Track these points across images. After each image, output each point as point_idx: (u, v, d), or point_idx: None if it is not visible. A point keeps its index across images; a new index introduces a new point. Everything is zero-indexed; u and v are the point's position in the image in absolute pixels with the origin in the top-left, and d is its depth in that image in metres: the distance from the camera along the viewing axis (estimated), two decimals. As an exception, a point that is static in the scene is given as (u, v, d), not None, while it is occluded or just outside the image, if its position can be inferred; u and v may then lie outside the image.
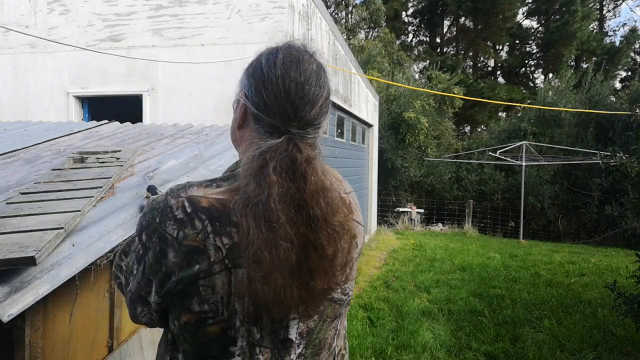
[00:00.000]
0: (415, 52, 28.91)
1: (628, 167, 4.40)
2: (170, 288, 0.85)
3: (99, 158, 2.80)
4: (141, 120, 5.38)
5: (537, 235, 14.24)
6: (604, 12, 27.43)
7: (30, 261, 1.47)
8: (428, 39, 30.29)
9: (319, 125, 0.92)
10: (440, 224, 14.43)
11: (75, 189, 2.18)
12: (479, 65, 29.65)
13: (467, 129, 27.78)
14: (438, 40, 30.18)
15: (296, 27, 5.30)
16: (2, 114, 5.81)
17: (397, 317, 5.00)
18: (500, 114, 26.20)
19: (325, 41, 6.55)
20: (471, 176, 15.50)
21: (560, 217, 14.12)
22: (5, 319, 1.33)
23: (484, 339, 4.41)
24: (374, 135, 11.93)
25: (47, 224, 1.75)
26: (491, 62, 29.64)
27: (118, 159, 2.79)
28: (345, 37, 20.44)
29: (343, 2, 23.33)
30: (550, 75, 22.59)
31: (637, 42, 24.67)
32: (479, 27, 27.16)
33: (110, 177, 2.37)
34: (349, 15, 23.89)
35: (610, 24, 41.27)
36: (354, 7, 23.43)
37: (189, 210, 0.85)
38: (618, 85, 23.25)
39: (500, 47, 28.91)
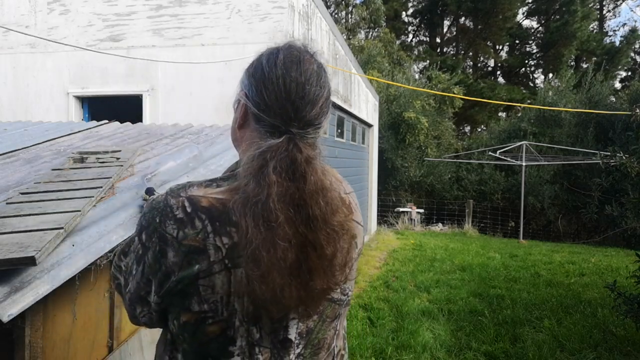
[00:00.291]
0: (415, 52, 28.91)
1: (628, 167, 4.40)
2: (169, 288, 0.85)
3: (99, 158, 2.80)
4: (141, 120, 5.38)
5: (537, 235, 14.25)
6: (604, 12, 27.45)
7: (30, 261, 1.47)
8: (428, 39, 30.30)
9: (319, 125, 0.92)
10: (440, 224, 14.43)
11: (75, 189, 2.18)
12: (479, 65, 29.66)
13: (467, 129, 27.79)
14: (438, 40, 30.19)
15: (296, 27, 5.30)
16: (2, 114, 5.81)
17: (397, 317, 5.00)
18: (500, 114, 26.21)
19: (325, 41, 6.55)
20: (471, 176, 15.50)
21: (560, 217, 14.12)
22: (5, 319, 1.33)
23: (484, 339, 4.41)
24: (374, 135, 11.93)
25: (47, 224, 1.75)
26: (491, 62, 29.66)
27: (118, 159, 2.79)
28: (345, 37, 20.44)
29: (343, 2, 23.33)
30: (550, 75, 22.60)
31: (637, 42, 24.67)
32: (479, 27, 27.16)
33: (110, 177, 2.37)
34: (349, 15, 23.90)
35: (610, 24, 41.29)
36: (354, 7, 23.44)
37: (189, 210, 0.85)
38: (618, 85, 23.27)
39: (500, 47, 28.92)
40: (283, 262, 0.78)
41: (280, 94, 0.87)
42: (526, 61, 27.83)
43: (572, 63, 25.37)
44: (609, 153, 5.14)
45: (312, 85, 0.89)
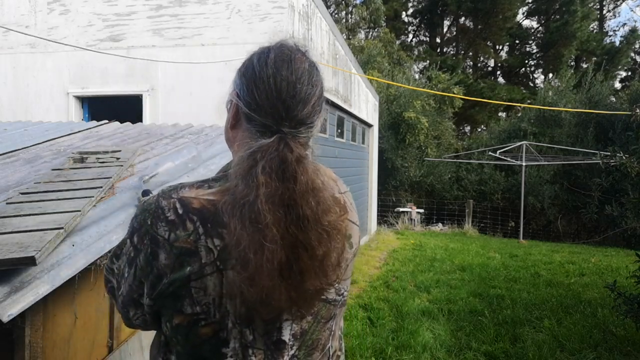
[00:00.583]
0: (415, 52, 28.91)
1: (628, 167, 4.40)
2: (161, 290, 0.85)
3: (99, 158, 2.80)
4: (141, 120, 5.38)
5: (537, 235, 14.25)
6: (604, 12, 27.45)
7: (31, 261, 1.47)
8: (428, 39, 30.30)
9: (311, 124, 0.91)
10: (440, 224, 14.43)
11: (75, 189, 2.18)
12: (479, 65, 29.66)
13: (467, 129, 27.78)
14: (438, 40, 30.19)
15: (296, 27, 5.30)
16: (2, 114, 5.81)
17: (397, 317, 5.00)
18: (500, 114, 26.21)
19: (325, 41, 6.55)
20: (471, 176, 15.50)
21: (560, 217, 14.12)
22: (5, 319, 1.33)
23: (484, 339, 4.41)
24: (374, 135, 11.93)
25: (47, 224, 1.75)
26: (491, 62, 29.66)
27: (118, 159, 2.79)
28: (345, 37, 20.44)
29: (343, 2, 23.33)
30: (550, 75, 22.61)
31: (637, 42, 24.67)
32: (479, 27, 27.16)
33: (110, 177, 2.37)
34: (349, 15, 23.90)
35: (610, 24, 41.25)
36: (354, 7, 23.44)
37: (180, 211, 0.84)
38: (618, 85, 23.28)
39: (500, 47, 28.92)
40: (270, 264, 0.77)
41: (271, 93, 0.87)
42: (526, 61, 27.83)
43: (572, 63, 25.37)
44: (609, 153, 5.14)
45: (303, 84, 0.88)
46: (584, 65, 23.88)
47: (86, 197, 2.06)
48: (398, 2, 27.52)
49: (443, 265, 7.79)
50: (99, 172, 2.48)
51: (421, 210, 14.49)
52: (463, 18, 28.59)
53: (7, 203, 2.00)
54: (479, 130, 26.59)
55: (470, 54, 29.13)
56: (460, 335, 4.50)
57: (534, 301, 5.64)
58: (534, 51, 27.73)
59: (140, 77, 5.51)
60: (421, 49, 29.24)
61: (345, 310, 4.98)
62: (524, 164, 12.62)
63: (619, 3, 27.27)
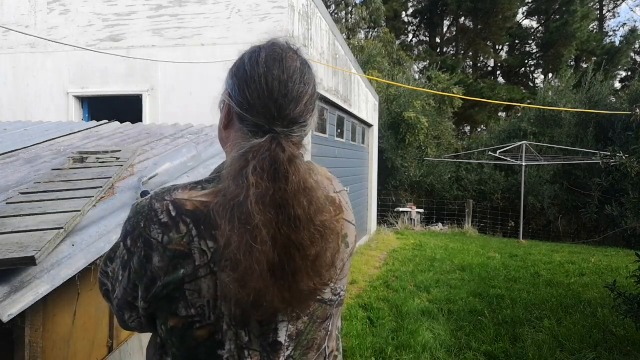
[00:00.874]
0: (415, 52, 28.91)
1: (628, 167, 4.40)
2: (156, 293, 0.84)
3: (99, 158, 2.80)
4: (141, 120, 5.38)
5: (537, 235, 14.25)
6: (604, 12, 27.44)
7: (30, 261, 1.47)
8: (428, 39, 30.30)
9: (304, 123, 0.90)
10: (440, 224, 14.43)
11: (75, 189, 2.18)
12: (479, 65, 29.66)
13: (467, 129, 27.78)
14: (438, 40, 30.19)
15: (296, 27, 5.30)
16: (2, 114, 5.81)
17: (397, 317, 5.00)
18: (500, 114, 26.21)
19: (325, 41, 6.55)
20: (471, 176, 15.50)
21: (560, 217, 14.12)
22: (5, 319, 1.33)
23: (484, 339, 4.41)
24: (374, 135, 11.93)
25: (47, 224, 1.75)
26: (491, 62, 29.65)
27: (118, 159, 2.79)
28: (345, 37, 20.43)
29: (343, 2, 23.33)
30: (550, 75, 22.61)
31: (637, 42, 24.66)
32: (479, 27, 27.16)
33: (110, 177, 2.37)
34: (349, 15, 23.90)
35: (610, 24, 41.28)
36: (354, 7, 23.43)
37: (173, 214, 0.84)
38: (618, 85, 23.27)
39: (500, 47, 28.92)
40: (260, 265, 0.76)
41: (262, 93, 0.86)
42: (526, 61, 27.83)
43: (572, 63, 25.36)
44: (609, 153, 5.14)
45: (295, 83, 0.88)
46: (584, 65, 23.87)
47: (86, 197, 2.06)
48: (398, 2, 27.52)
49: (443, 265, 7.79)
50: (99, 172, 2.48)
51: (421, 210, 14.49)
52: (463, 18, 28.59)
53: (7, 203, 2.00)
54: (479, 130, 26.59)
55: (470, 54, 29.13)
56: (460, 335, 4.50)
57: (534, 301, 5.64)
58: (534, 51, 27.74)
59: (140, 77, 5.51)
60: (421, 49, 29.25)
61: (345, 310, 4.98)
62: (524, 164, 12.62)
63: (619, 3, 27.29)
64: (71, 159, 2.82)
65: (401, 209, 14.24)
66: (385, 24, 25.23)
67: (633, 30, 24.51)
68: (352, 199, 8.46)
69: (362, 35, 24.05)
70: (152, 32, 5.50)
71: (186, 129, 4.15)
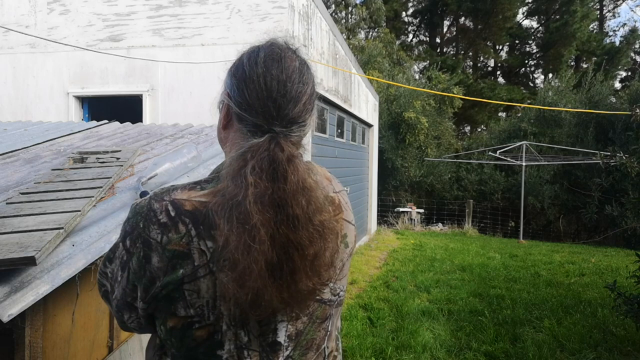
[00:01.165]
0: (415, 52, 28.91)
1: (628, 167, 4.40)
2: (155, 293, 0.84)
3: (99, 158, 2.80)
4: (141, 120, 5.38)
5: (537, 235, 14.25)
6: (604, 12, 27.44)
7: (30, 261, 1.47)
8: (428, 39, 30.30)
9: (303, 122, 0.90)
10: (440, 224, 14.43)
11: (75, 189, 2.18)
12: (479, 65, 29.65)
13: (467, 129, 27.78)
14: (438, 40, 30.19)
15: (296, 27, 5.30)
16: (2, 114, 5.81)
17: (397, 317, 5.00)
18: (500, 114, 26.20)
19: (325, 41, 6.55)
20: (471, 176, 15.51)
21: (560, 217, 14.12)
22: (5, 319, 1.33)
23: (484, 339, 4.41)
24: (374, 135, 11.93)
25: (47, 224, 1.75)
26: (491, 62, 29.66)
27: (118, 159, 2.79)
28: (345, 37, 20.44)
29: (343, 2, 23.33)
30: (550, 75, 22.58)
31: (637, 42, 24.66)
32: (479, 27, 27.16)
33: (110, 177, 2.37)
34: (349, 15, 23.89)
35: (610, 24, 41.25)
36: (354, 7, 23.43)
37: (172, 214, 0.84)
38: (618, 85, 23.24)
39: (500, 47, 28.92)
40: (257, 265, 0.76)
41: (261, 93, 0.86)
42: (526, 61, 27.83)
43: (572, 63, 25.36)
44: (609, 153, 5.14)
45: (294, 83, 0.88)
46: (584, 65, 23.90)
47: (86, 197, 2.06)
48: (398, 2, 27.52)
49: (443, 265, 7.79)
50: (99, 172, 2.48)
51: (421, 210, 14.50)
52: (463, 18, 28.59)
53: (7, 203, 2.00)
54: (479, 130, 26.59)
55: (470, 54, 29.13)
56: (460, 335, 4.50)
57: (534, 301, 5.64)
58: (534, 51, 27.74)
59: (140, 77, 5.51)
60: (421, 49, 29.25)
61: (345, 310, 4.98)
62: (524, 164, 12.63)
63: (619, 3, 27.30)
64: (71, 159, 2.82)
65: (401, 209, 14.24)
66: (385, 24, 25.22)
67: (633, 30, 24.51)
68: (352, 199, 8.43)
69: (362, 35, 24.05)
70: (152, 32, 5.50)
71: (186, 129, 4.15)
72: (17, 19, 5.79)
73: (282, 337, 0.88)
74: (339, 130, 8.19)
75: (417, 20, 30.12)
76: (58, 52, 5.65)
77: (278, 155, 0.82)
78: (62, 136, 3.80)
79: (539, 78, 27.62)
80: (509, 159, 13.42)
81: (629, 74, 25.35)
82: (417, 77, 21.59)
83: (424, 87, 16.12)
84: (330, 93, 6.74)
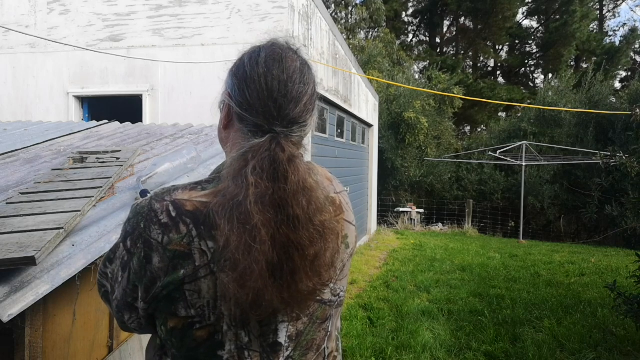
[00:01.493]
0: (416, 52, 28.91)
1: (628, 167, 4.40)
2: (156, 293, 0.84)
3: (99, 158, 2.80)
4: (141, 121, 5.38)
5: (537, 235, 14.25)
6: (604, 12, 27.45)
7: (31, 261, 1.47)
8: (428, 39, 30.30)
9: (304, 123, 0.90)
10: (440, 224, 14.43)
11: (75, 189, 2.18)
12: (479, 65, 29.65)
13: (467, 129, 27.79)
14: (438, 40, 30.19)
15: (296, 27, 5.30)
16: (2, 114, 5.81)
17: (397, 317, 5.00)
18: (500, 114, 26.21)
19: (325, 41, 6.55)
20: (471, 176, 15.51)
21: (560, 217, 14.12)
22: (5, 319, 1.33)
23: (484, 339, 4.41)
24: (374, 135, 11.93)
25: (47, 224, 1.75)
26: (491, 62, 29.66)
27: (118, 159, 2.79)
28: (345, 37, 20.44)
29: (343, 2, 23.33)
30: (550, 75, 22.58)
31: (637, 42, 24.66)
32: (479, 27, 27.16)
33: (110, 177, 2.37)
34: (349, 16, 23.90)
35: (610, 24, 41.25)
36: (354, 7, 23.44)
37: (173, 214, 0.84)
38: (618, 85, 23.24)
39: (500, 47, 28.92)
40: (258, 265, 0.76)
41: (262, 93, 0.86)
42: (526, 61, 27.83)
43: (572, 63, 25.37)
44: (609, 153, 5.14)
45: (295, 83, 0.88)
46: (584, 65, 23.90)
47: (86, 197, 2.06)
48: (398, 2, 27.52)
49: (443, 265, 7.79)
50: (99, 172, 2.48)
51: (421, 210, 14.50)
52: (463, 18, 28.59)
53: (7, 203, 2.00)
54: (479, 130, 26.59)
55: (470, 54, 29.13)
56: (460, 335, 4.50)
57: (534, 301, 5.64)
58: (534, 51, 27.74)
59: (140, 77, 5.51)
60: (421, 49, 29.25)
61: (345, 310, 4.98)
62: (524, 164, 12.63)
63: (619, 3, 27.30)
64: (71, 159, 2.82)
65: (401, 209, 14.24)
66: (385, 24, 25.23)
67: (633, 30, 24.50)
68: (352, 199, 8.45)
69: (362, 35, 24.05)
70: (152, 32, 5.50)
71: (186, 129, 4.15)
72: (17, 19, 5.79)
73: (282, 338, 0.88)
74: (339, 130, 8.19)
75: (417, 20, 30.13)
76: (58, 52, 5.65)
77: (279, 156, 0.82)
78: (62, 136, 3.80)
79: (539, 78, 27.65)
80: (509, 159, 13.42)
81: (629, 74, 25.35)
82: (417, 77, 21.59)
83: (424, 87, 16.12)
84: (330, 93, 6.74)
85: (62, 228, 1.71)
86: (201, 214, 0.83)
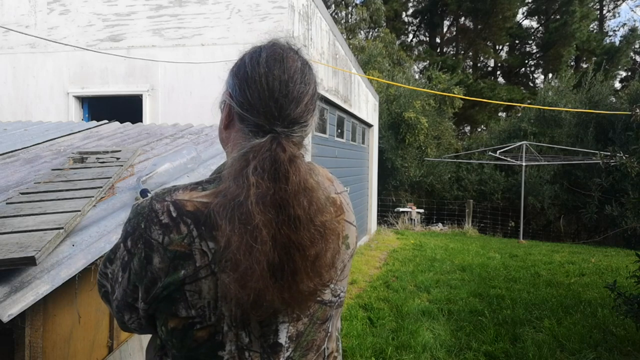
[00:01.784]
0: (415, 52, 28.92)
1: (628, 167, 4.40)
2: (156, 294, 0.84)
3: (99, 158, 2.80)
4: (141, 121, 5.38)
5: (537, 235, 14.25)
6: (604, 12, 27.44)
7: (31, 261, 1.47)
8: (428, 39, 30.30)
9: (305, 123, 0.90)
10: (440, 224, 14.43)
11: (75, 189, 2.18)
12: (479, 65, 29.65)
13: (467, 129, 27.79)
14: (438, 40, 30.19)
15: (296, 27, 5.30)
16: (2, 114, 5.81)
17: (397, 317, 5.00)
18: (500, 114, 26.20)
19: (325, 41, 6.55)
20: (471, 176, 15.51)
21: (560, 217, 14.12)
22: (5, 319, 1.33)
23: (484, 339, 4.41)
24: (374, 135, 11.93)
25: (47, 224, 1.75)
26: (491, 62, 29.66)
27: (118, 159, 2.79)
28: (345, 37, 20.44)
29: (343, 2, 23.33)
30: (550, 75, 22.58)
31: (637, 42, 24.65)
32: (479, 27, 27.16)
33: (110, 177, 2.37)
34: (349, 16, 23.90)
35: (610, 24, 41.22)
36: (354, 7, 23.44)
37: (174, 214, 0.84)
38: (618, 85, 23.23)
39: (500, 47, 28.92)
40: (259, 265, 0.76)
41: (263, 93, 0.86)
42: (526, 61, 27.84)
43: (572, 63, 25.36)
44: (609, 153, 5.14)
45: (296, 83, 0.88)
46: (584, 65, 23.90)
47: (86, 197, 2.06)
48: (398, 2, 27.52)
49: (443, 265, 7.79)
50: (99, 172, 2.48)
51: (421, 210, 14.50)
52: (463, 18, 28.60)
53: (7, 203, 2.00)
54: (479, 130, 26.58)
55: (470, 54, 29.13)
56: (460, 335, 4.50)
57: (534, 301, 5.64)
58: (534, 51, 27.75)
59: (140, 77, 5.51)
60: (421, 49, 29.25)
61: (345, 310, 4.98)
62: (524, 164, 12.63)
63: (619, 3, 27.29)
64: (71, 159, 2.82)
65: (401, 209, 14.24)
66: (385, 24, 25.23)
67: (633, 30, 24.49)
68: (352, 199, 8.45)
69: (362, 35, 24.05)
70: (152, 32, 5.50)
71: (186, 129, 4.15)
72: (17, 19, 5.79)
73: (283, 338, 0.88)
74: (339, 130, 8.19)
75: (417, 20, 30.13)
76: (58, 52, 5.65)
77: (280, 156, 0.82)
78: (62, 136, 3.80)
79: (539, 78, 27.65)
80: (509, 159, 13.42)
81: (629, 74, 25.35)
82: (417, 77, 21.60)
83: (424, 87, 16.12)
84: (331, 93, 6.74)
85: (62, 228, 1.71)
86: (202, 214, 0.83)
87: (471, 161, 15.90)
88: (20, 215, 1.84)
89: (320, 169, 0.97)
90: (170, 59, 5.38)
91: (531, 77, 28.54)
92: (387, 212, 14.37)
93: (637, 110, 4.44)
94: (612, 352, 4.11)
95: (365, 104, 10.25)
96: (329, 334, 0.97)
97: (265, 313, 0.82)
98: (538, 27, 27.61)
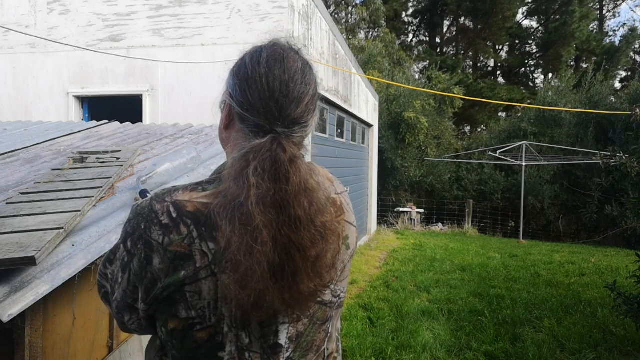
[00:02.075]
0: (415, 52, 28.92)
1: (628, 167, 4.40)
2: (156, 295, 0.84)
3: (99, 158, 2.80)
4: (141, 121, 5.38)
5: (537, 235, 14.25)
6: (604, 12, 27.44)
7: (31, 261, 1.47)
8: (428, 39, 30.31)
9: (305, 123, 0.90)
10: (440, 224, 14.43)
11: (75, 189, 2.18)
12: (479, 65, 29.66)
13: (467, 129, 27.79)
14: (438, 40, 30.19)
15: (296, 27, 5.30)
16: (2, 114, 5.81)
17: (397, 317, 5.00)
18: (500, 114, 26.21)
19: (325, 41, 6.55)
20: (471, 176, 15.51)
21: (560, 217, 14.12)
22: (5, 319, 1.33)
23: (484, 339, 4.41)
24: (374, 135, 11.93)
25: (47, 224, 1.75)
26: (491, 62, 29.66)
27: (118, 159, 2.79)
28: (345, 37, 20.43)
29: (343, 2, 23.34)
30: (550, 75, 22.58)
31: (637, 42, 24.65)
32: (479, 27, 27.16)
33: (110, 177, 2.37)
34: (349, 16, 23.90)
35: (610, 24, 41.25)
36: (354, 7, 23.44)
37: (174, 215, 0.83)
38: (618, 85, 23.23)
39: (500, 47, 28.92)
40: (260, 266, 0.76)
41: (263, 93, 0.86)
42: (526, 61, 27.84)
43: (572, 63, 25.37)
44: (609, 153, 5.14)
45: (296, 83, 0.88)
46: (584, 65, 23.90)
47: (86, 197, 2.06)
48: (398, 2, 27.53)
49: (443, 265, 7.79)
50: (99, 172, 2.48)
51: (421, 210, 14.50)
52: (463, 18, 28.60)
53: (7, 203, 2.00)
54: (479, 130, 26.59)
55: (470, 54, 29.13)
56: (460, 335, 4.50)
57: (534, 301, 5.64)
58: (534, 51, 27.75)
59: (140, 77, 5.51)
60: (421, 49, 29.25)
61: (345, 310, 4.98)
62: (524, 164, 12.63)
63: (619, 3, 27.29)
64: (71, 159, 2.82)
65: (401, 209, 14.24)
66: (385, 24, 25.23)
67: (633, 30, 24.48)
68: (352, 199, 8.45)
69: (362, 35, 24.06)
70: (152, 32, 5.50)
71: (186, 129, 4.15)
72: (17, 19, 5.79)
73: (283, 339, 0.88)
74: (339, 130, 8.19)
75: (417, 20, 30.13)
76: (58, 52, 5.65)
77: (280, 156, 0.82)
78: (62, 136, 3.80)
79: (539, 78, 27.66)
80: (509, 159, 13.42)
81: (629, 74, 25.34)
82: (417, 77, 21.60)
83: (424, 87, 16.13)
84: (331, 93, 6.74)
85: (62, 228, 1.71)
86: (202, 215, 0.83)
87: (471, 161, 15.90)
88: (20, 215, 1.84)
89: (320, 170, 0.97)
90: (170, 59, 5.38)
91: (531, 77, 28.57)
92: (387, 212, 14.38)
93: (637, 110, 4.44)
94: (612, 352, 4.11)
95: (365, 104, 10.25)
96: (329, 335, 0.96)
97: (265, 314, 0.82)
98: (538, 27, 27.62)
